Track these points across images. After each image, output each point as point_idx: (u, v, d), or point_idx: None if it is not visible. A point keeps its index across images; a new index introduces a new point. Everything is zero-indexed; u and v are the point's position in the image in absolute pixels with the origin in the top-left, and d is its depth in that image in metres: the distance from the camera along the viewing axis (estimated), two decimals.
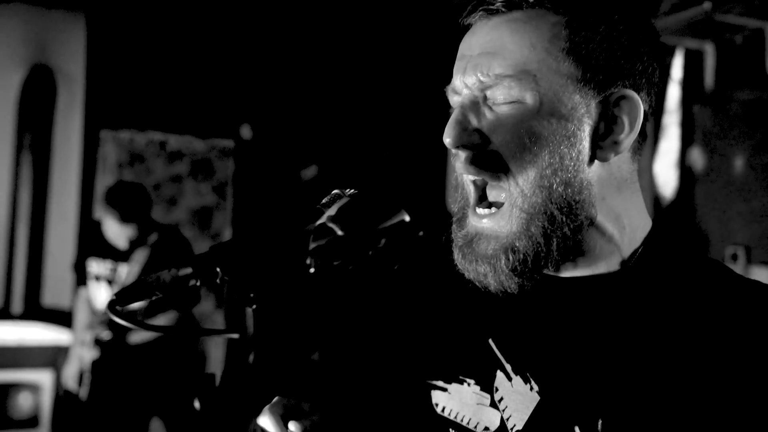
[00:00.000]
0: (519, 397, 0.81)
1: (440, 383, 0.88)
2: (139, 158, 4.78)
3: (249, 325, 0.72)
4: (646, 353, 0.74)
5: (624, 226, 0.81)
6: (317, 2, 4.56)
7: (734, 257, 3.14)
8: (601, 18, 0.78)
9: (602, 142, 0.79)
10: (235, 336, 0.71)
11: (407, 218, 0.76)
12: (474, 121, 0.79)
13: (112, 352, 3.32)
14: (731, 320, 0.73)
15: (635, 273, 0.79)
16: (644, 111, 0.80)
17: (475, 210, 0.83)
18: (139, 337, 3.21)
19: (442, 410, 0.87)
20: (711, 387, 0.71)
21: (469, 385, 0.85)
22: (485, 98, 0.79)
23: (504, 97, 0.77)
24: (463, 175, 0.83)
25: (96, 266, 3.38)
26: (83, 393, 3.20)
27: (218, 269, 0.76)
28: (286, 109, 4.95)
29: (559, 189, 0.76)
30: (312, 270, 0.75)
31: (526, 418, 0.80)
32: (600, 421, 0.74)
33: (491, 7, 0.80)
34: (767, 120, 3.19)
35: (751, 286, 0.78)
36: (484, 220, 0.80)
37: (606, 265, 0.81)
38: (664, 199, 3.61)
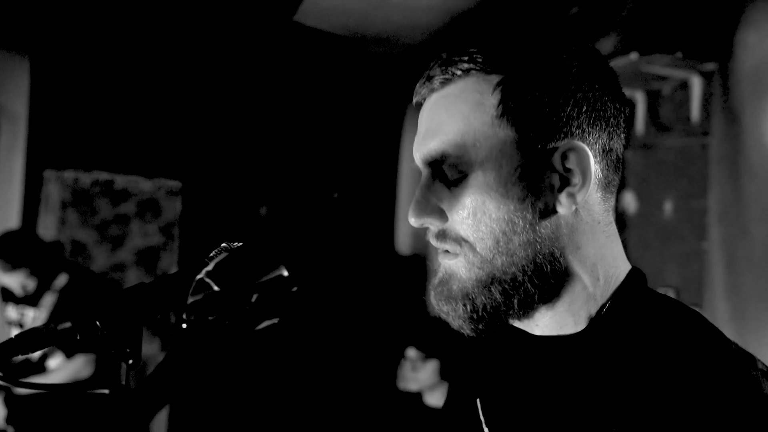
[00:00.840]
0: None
1: None
2: (84, 198, 4.76)
3: (122, 380, 0.74)
4: (604, 412, 0.74)
5: (598, 277, 0.80)
6: (265, 45, 4.63)
7: None
8: (534, 71, 0.77)
9: (559, 195, 0.78)
10: (106, 391, 0.73)
11: (285, 273, 0.78)
12: (434, 199, 0.81)
13: (24, 407, 3.25)
14: (692, 392, 0.70)
15: (599, 331, 0.78)
16: (603, 152, 0.79)
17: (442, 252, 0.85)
18: (25, 390, 3.13)
19: None
20: None
21: None
22: (441, 175, 0.81)
23: (451, 174, 0.79)
24: None
25: (10, 311, 3.33)
26: None
27: (98, 323, 0.78)
28: (235, 149, 4.98)
29: (519, 252, 0.77)
30: (184, 326, 0.77)
31: None
32: None
33: (431, 86, 0.81)
34: (694, 166, 3.31)
35: (724, 353, 0.74)
36: (449, 261, 0.81)
37: (576, 318, 0.80)
38: None
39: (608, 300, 0.79)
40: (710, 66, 3.21)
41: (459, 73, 0.79)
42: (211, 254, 0.84)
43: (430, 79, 0.82)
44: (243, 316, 0.79)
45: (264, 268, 0.81)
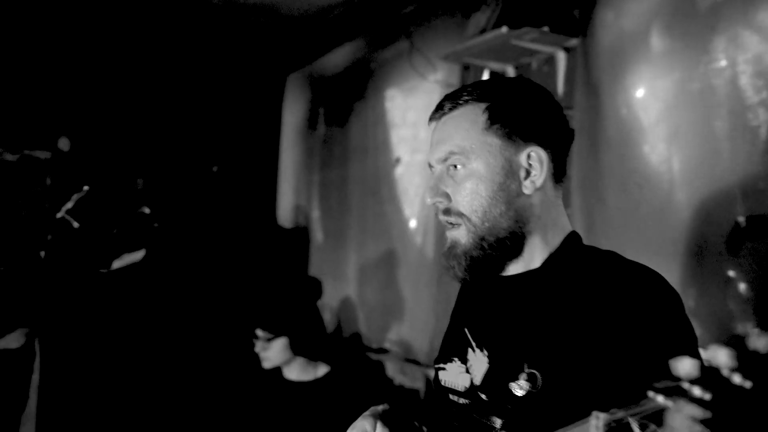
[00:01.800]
0: (479, 363, 1.22)
1: (441, 365, 1.32)
2: None
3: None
4: (555, 321, 1.13)
5: (549, 236, 1.22)
6: (144, 14, 4.49)
7: None
8: (509, 101, 1.21)
9: (525, 182, 1.21)
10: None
11: (147, 210, 0.90)
12: (443, 186, 1.22)
13: None
14: (611, 292, 1.09)
15: (549, 267, 1.20)
16: (554, 153, 1.25)
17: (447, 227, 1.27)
18: None
19: (444, 383, 1.31)
20: (595, 340, 1.07)
21: (454, 361, 1.28)
22: (448, 169, 1.21)
23: (454, 165, 1.20)
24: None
25: None
26: None
27: None
28: (105, 119, 4.82)
29: (500, 220, 1.19)
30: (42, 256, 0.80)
31: (482, 375, 1.21)
32: (525, 365, 1.11)
33: (443, 111, 1.26)
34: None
35: (629, 267, 1.15)
36: (453, 232, 1.21)
37: (535, 263, 1.21)
38: None
39: (555, 249, 1.21)
40: (573, 42, 3.37)
41: (461, 102, 1.24)
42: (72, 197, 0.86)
43: (441, 106, 1.26)
44: (102, 250, 0.85)
45: (123, 205, 0.90)
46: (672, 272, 2.95)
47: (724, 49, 2.72)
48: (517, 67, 3.69)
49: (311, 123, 5.04)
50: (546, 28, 3.25)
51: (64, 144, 4.78)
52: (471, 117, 1.21)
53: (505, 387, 1.13)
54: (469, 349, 1.25)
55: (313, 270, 5.00)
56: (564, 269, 1.18)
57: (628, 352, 1.02)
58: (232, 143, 5.12)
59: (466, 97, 1.22)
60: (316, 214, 5.01)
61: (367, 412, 1.28)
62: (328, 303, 4.69)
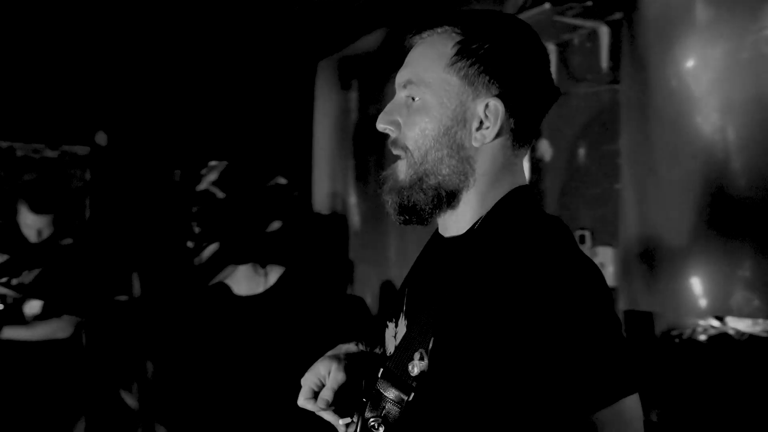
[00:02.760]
0: (400, 332, 1.14)
1: (386, 322, 1.23)
2: None
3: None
4: (463, 294, 1.03)
5: (488, 198, 1.10)
6: (169, 5, 4.48)
7: (582, 239, 3.41)
8: (480, 41, 1.07)
9: (476, 133, 1.08)
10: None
11: (284, 181, 0.94)
12: (396, 114, 1.11)
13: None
14: (515, 278, 0.98)
15: (471, 235, 1.09)
16: (517, 111, 1.09)
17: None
18: (13, 334, 3.16)
19: (384, 342, 1.23)
20: (487, 327, 0.98)
21: (389, 324, 1.19)
22: (406, 99, 1.11)
23: (412, 96, 1.10)
24: None
25: None
26: None
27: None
28: (140, 112, 4.83)
29: (440, 165, 1.07)
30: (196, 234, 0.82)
31: (393, 346, 1.14)
32: (432, 339, 1.02)
33: (420, 35, 1.14)
34: (605, 113, 3.48)
35: (548, 254, 1.01)
36: (396, 164, 1.12)
37: (465, 224, 1.11)
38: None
39: (487, 212, 1.09)
40: (617, 15, 3.36)
41: (439, 30, 1.11)
42: (203, 171, 0.89)
43: (419, 30, 1.14)
44: (252, 219, 0.88)
45: (263, 175, 0.93)
46: (729, 243, 2.95)
47: None
48: (558, 45, 3.69)
49: (344, 109, 5.04)
50: (590, 2, 3.24)
51: (101, 139, 4.81)
52: (439, 48, 1.09)
53: (405, 364, 1.05)
54: (401, 314, 1.17)
55: (353, 255, 5.01)
56: (483, 241, 1.06)
57: (514, 346, 0.94)
58: (263, 132, 5.13)
59: (446, 26, 1.10)
60: (352, 200, 5.02)
61: (330, 352, 1.22)
62: (370, 288, 4.71)
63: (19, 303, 3.16)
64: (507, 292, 0.96)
